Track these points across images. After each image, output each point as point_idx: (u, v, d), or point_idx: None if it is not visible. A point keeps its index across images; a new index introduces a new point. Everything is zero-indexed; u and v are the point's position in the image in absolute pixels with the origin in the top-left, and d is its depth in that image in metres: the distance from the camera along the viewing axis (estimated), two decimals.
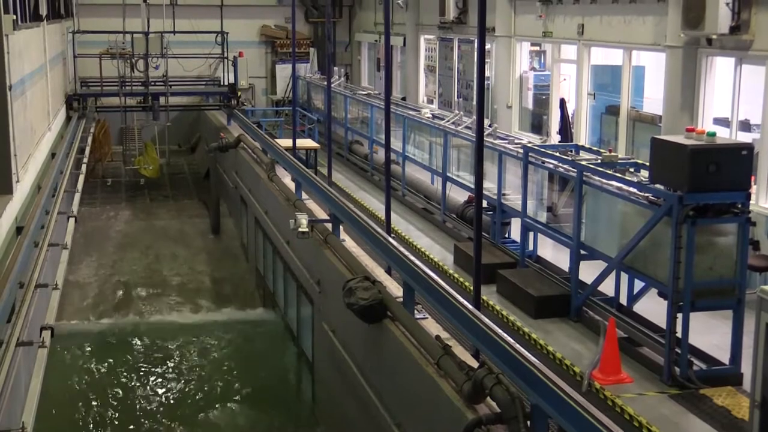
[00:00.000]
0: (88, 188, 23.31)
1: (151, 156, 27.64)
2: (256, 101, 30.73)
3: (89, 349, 16.82)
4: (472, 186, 11.49)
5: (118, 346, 16.91)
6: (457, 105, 21.80)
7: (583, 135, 16.82)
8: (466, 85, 21.58)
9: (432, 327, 9.49)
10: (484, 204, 12.38)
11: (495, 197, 13.18)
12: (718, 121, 13.25)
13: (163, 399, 14.91)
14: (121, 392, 15.08)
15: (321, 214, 14.34)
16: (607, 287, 10.26)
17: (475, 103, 11.87)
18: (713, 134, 8.74)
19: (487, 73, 19.77)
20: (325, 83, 18.77)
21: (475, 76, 13.97)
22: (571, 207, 10.89)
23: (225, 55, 27.63)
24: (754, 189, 11.16)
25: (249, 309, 18.82)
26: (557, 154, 11.52)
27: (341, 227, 12.99)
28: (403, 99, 24.09)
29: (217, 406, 14.54)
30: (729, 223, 8.70)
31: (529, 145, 12.68)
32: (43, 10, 18.18)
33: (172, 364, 16.21)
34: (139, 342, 17.19)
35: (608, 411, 8.12)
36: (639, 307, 9.96)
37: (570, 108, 17.43)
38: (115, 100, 26.22)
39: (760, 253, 10.31)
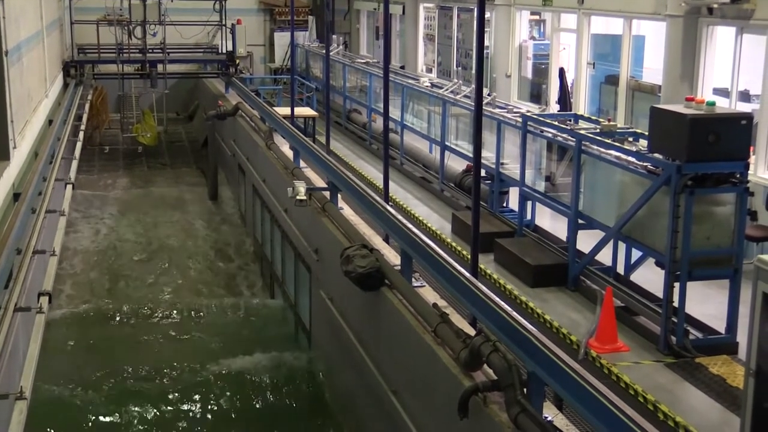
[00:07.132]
0: (86, 156, 23.25)
1: (148, 124, 27.56)
2: (255, 69, 30.60)
3: None
4: (471, 155, 11.46)
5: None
6: (456, 74, 21.70)
7: (582, 104, 16.77)
8: (465, 54, 21.46)
9: (429, 295, 9.50)
10: (483, 173, 12.39)
11: (493, 166, 13.16)
12: (717, 91, 13.21)
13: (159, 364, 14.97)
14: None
15: (319, 182, 14.32)
16: (605, 256, 10.29)
17: (474, 72, 11.82)
18: (713, 104, 8.70)
19: (486, 42, 19.63)
20: (324, 51, 18.69)
21: (474, 44, 13.90)
22: (569, 176, 10.88)
23: (223, 22, 27.47)
24: (752, 159, 11.15)
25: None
26: (556, 123, 11.50)
27: (339, 195, 12.98)
28: (402, 68, 23.97)
29: (212, 370, 14.62)
30: (727, 193, 8.68)
31: (528, 114, 12.64)
32: None
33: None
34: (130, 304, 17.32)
35: (604, 379, 8.14)
36: (636, 277, 9.99)
37: (569, 77, 17.36)
38: (113, 68, 26.10)
39: (758, 224, 10.33)
